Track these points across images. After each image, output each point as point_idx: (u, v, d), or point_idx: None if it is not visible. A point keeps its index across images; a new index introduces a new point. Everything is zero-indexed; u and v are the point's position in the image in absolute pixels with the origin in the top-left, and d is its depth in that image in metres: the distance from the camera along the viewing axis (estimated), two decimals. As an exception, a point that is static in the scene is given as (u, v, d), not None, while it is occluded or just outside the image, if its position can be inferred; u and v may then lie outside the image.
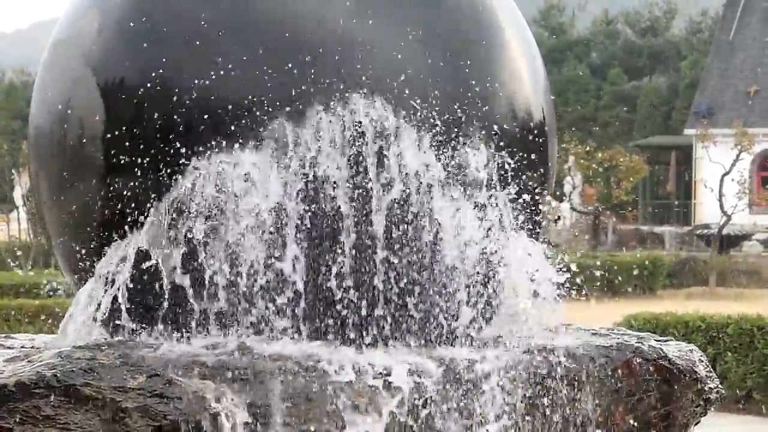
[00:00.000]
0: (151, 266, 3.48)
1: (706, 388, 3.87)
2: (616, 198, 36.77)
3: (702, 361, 3.92)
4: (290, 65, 3.46)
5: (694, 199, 45.78)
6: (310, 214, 3.42)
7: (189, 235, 3.42)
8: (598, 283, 23.83)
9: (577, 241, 35.81)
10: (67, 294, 4.00)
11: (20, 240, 33.05)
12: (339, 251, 3.42)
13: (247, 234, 3.41)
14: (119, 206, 3.56)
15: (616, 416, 3.66)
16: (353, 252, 3.43)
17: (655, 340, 3.96)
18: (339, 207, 3.42)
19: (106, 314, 3.58)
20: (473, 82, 3.65)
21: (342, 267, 3.42)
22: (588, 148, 36.92)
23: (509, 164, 3.65)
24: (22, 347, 3.71)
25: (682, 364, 3.82)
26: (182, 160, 3.45)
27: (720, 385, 3.98)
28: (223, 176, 3.41)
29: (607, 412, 3.64)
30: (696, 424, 3.91)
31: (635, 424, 3.71)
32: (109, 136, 3.57)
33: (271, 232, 3.40)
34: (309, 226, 3.42)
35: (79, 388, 3.03)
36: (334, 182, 3.42)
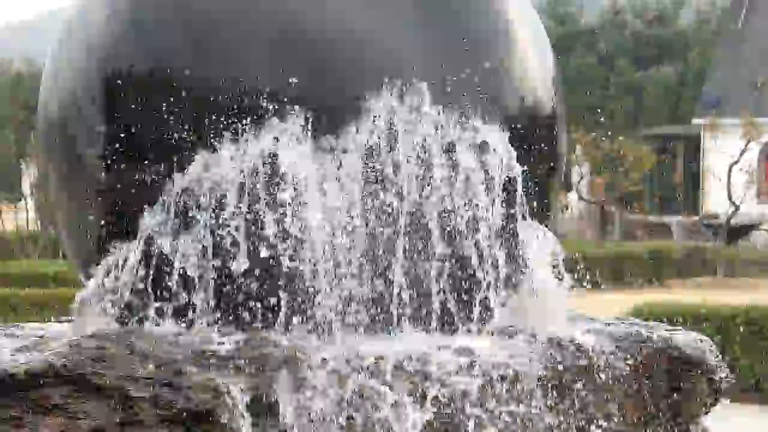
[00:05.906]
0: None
1: (716, 378, 3.86)
2: (624, 188, 36.68)
3: (712, 351, 3.91)
4: (298, 57, 3.45)
5: (702, 189, 45.65)
6: None
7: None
8: (607, 274, 23.78)
9: (584, 232, 35.76)
10: (75, 284, 4.00)
11: (28, 230, 33.07)
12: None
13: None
14: (127, 196, 3.56)
15: (626, 406, 3.65)
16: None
17: (665, 329, 3.95)
18: None
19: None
20: (483, 72, 3.64)
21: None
22: (595, 135, 36.82)
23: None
24: (31, 336, 3.71)
25: (693, 354, 3.81)
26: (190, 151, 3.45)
27: (730, 375, 3.97)
28: None
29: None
30: (706, 413, 3.90)
31: (645, 413, 3.70)
32: (117, 126, 3.57)
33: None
34: None
35: (89, 378, 3.04)
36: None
